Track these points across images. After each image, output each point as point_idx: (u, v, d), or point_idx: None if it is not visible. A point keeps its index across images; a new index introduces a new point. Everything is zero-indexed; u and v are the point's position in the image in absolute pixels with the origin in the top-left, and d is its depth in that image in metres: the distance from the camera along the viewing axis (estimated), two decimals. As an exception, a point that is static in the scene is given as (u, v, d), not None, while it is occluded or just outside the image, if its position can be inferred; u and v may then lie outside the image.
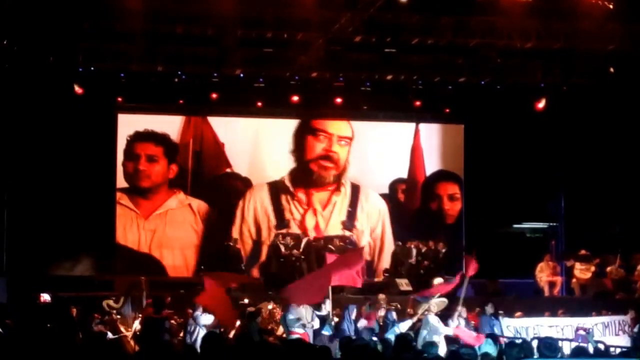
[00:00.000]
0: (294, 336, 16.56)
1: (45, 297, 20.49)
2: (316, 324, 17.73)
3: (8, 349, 11.51)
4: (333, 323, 18.32)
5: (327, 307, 18.41)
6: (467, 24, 23.12)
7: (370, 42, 23.86)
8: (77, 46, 23.56)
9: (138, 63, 24.38)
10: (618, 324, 18.54)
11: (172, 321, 18.71)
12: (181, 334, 18.39)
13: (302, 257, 25.68)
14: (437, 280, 23.29)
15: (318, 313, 18.02)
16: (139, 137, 27.10)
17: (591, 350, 14.55)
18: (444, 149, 28.90)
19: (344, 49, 24.03)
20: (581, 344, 15.53)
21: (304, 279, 21.10)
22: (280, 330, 18.55)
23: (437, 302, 18.56)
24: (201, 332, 17.11)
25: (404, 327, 17.92)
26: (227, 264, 25.06)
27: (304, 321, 17.56)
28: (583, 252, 25.74)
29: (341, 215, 27.89)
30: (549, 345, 11.61)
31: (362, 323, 18.57)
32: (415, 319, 18.44)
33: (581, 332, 17.63)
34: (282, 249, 25.90)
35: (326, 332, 17.85)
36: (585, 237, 26.38)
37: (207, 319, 17.73)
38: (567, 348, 15.84)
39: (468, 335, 17.32)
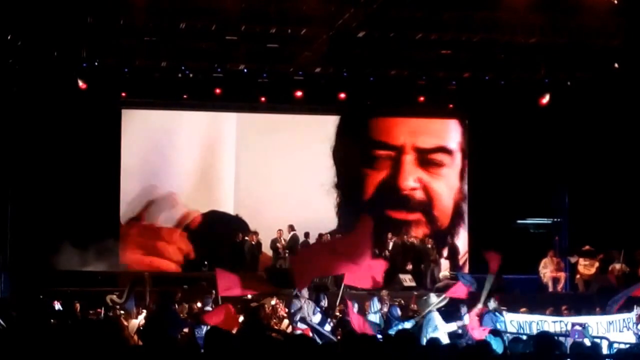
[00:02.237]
0: (297, 332, 16.53)
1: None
2: (317, 318, 17.68)
3: (12, 341, 11.50)
4: (335, 319, 18.30)
5: (326, 302, 18.43)
6: (471, 19, 23.07)
7: (374, 38, 23.85)
8: (81, 41, 23.56)
9: (142, 58, 24.41)
10: (623, 321, 18.43)
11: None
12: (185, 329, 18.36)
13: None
14: (443, 274, 23.30)
15: (319, 308, 17.97)
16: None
17: (588, 344, 14.53)
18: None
19: (348, 44, 24.00)
20: (577, 340, 15.50)
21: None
22: (283, 325, 18.51)
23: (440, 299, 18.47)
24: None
25: (407, 325, 17.83)
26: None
27: (305, 316, 17.51)
28: (587, 247, 25.69)
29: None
30: (543, 339, 11.60)
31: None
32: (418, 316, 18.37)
33: (577, 327, 17.54)
34: (279, 243, 26.06)
35: (329, 327, 17.81)
36: (589, 233, 26.32)
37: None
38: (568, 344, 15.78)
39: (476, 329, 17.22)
